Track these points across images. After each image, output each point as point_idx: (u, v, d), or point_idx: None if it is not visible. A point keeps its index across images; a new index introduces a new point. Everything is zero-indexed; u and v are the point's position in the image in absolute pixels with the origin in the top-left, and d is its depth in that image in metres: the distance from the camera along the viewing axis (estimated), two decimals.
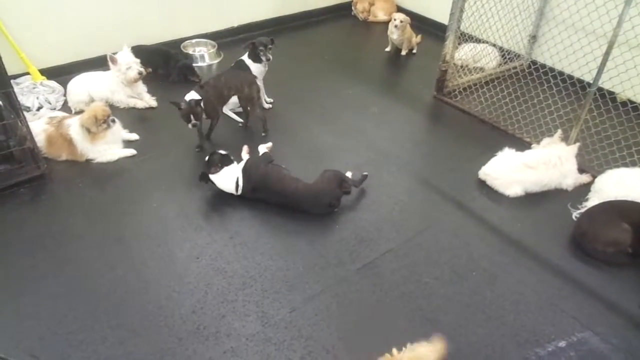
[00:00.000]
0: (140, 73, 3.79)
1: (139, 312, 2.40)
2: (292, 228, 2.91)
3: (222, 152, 3.06)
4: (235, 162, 3.08)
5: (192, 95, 3.31)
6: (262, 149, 3.34)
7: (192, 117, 3.25)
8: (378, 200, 3.15)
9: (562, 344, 2.36)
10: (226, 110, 3.86)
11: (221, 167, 3.00)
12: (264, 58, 3.68)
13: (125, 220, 2.92)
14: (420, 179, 3.36)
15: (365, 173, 3.21)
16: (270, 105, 4.00)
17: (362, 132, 3.78)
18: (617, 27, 2.99)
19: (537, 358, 2.29)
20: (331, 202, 2.97)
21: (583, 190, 3.24)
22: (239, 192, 3.01)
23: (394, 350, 1.94)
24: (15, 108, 3.01)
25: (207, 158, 3.04)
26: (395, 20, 4.72)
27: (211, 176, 3.02)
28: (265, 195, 3.01)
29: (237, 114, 3.87)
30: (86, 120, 3.22)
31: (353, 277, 2.64)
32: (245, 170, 3.01)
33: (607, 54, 3.08)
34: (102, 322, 2.34)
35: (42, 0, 3.89)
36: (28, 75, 3.96)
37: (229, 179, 3.01)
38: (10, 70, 3.15)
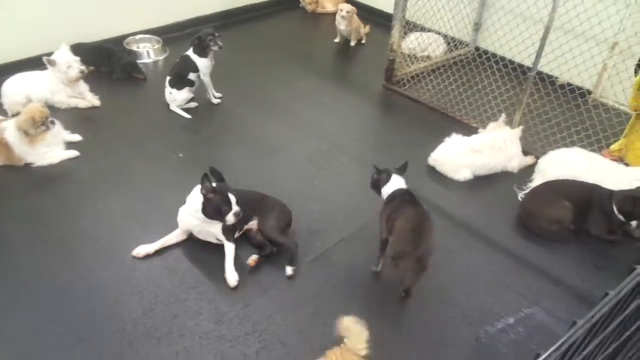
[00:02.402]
0: (81, 72, 3.64)
1: (87, 318, 2.32)
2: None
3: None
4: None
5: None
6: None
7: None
8: (330, 191, 3.15)
9: (511, 320, 2.43)
10: (174, 107, 3.77)
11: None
12: (215, 47, 3.61)
13: (68, 224, 2.81)
14: (370, 167, 3.37)
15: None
16: (220, 100, 3.93)
17: (313, 124, 3.78)
18: (552, 12, 3.09)
19: (487, 336, 2.36)
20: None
21: (528, 172, 3.35)
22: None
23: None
24: None
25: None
26: (341, 11, 4.73)
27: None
28: None
29: (184, 109, 3.78)
30: (23, 123, 3.07)
31: (307, 268, 2.63)
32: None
33: (544, 38, 3.18)
34: (46, 331, 2.25)
35: None
36: None
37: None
38: None
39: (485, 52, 4.02)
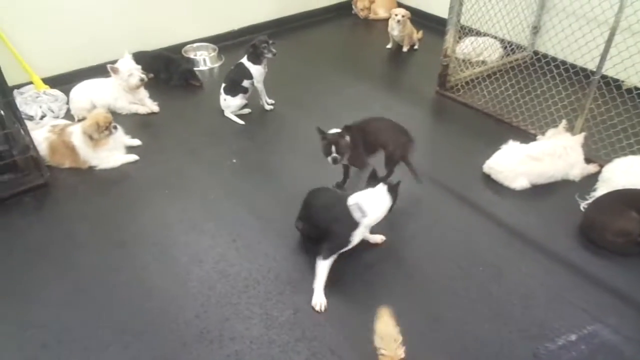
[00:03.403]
0: (141, 79, 3.79)
1: (143, 317, 2.39)
2: (295, 230, 2.88)
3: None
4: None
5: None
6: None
7: (333, 149, 2.79)
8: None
9: (573, 337, 2.31)
10: (228, 113, 3.85)
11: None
12: (269, 54, 3.67)
13: (127, 225, 2.92)
14: (424, 175, 3.31)
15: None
16: (272, 107, 3.99)
17: None
18: (618, 13, 2.93)
19: (547, 353, 2.25)
20: None
21: (591, 181, 3.18)
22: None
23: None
24: (17, 117, 3.03)
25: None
26: (395, 16, 4.69)
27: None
28: None
29: (238, 116, 3.86)
30: (88, 128, 3.23)
31: (357, 276, 2.61)
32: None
33: (609, 41, 3.02)
34: (105, 328, 2.34)
35: (43, 10, 3.92)
36: (31, 85, 3.99)
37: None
38: (14, 80, 3.18)
39: (545, 56, 3.86)
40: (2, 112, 3.02)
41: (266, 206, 3.05)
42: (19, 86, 3.93)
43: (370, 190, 2.50)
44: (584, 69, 3.59)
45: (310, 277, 2.58)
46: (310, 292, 2.49)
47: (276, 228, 2.90)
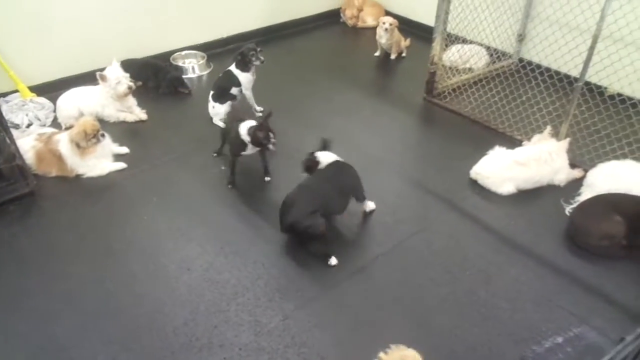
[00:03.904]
0: (129, 87, 3.79)
1: (131, 326, 2.38)
2: (284, 235, 2.89)
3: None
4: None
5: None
6: None
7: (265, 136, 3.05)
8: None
9: (559, 339, 2.33)
10: (216, 121, 3.86)
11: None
12: (257, 62, 3.69)
13: (115, 234, 2.91)
14: (412, 181, 3.35)
15: None
16: (261, 114, 4.00)
17: (353, 137, 3.78)
18: (600, 21, 2.99)
19: (535, 355, 2.27)
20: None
21: (575, 185, 3.23)
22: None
23: (381, 355, 1.91)
24: (3, 125, 3.00)
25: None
26: (384, 24, 4.74)
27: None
28: None
29: None
30: (76, 135, 3.21)
31: (345, 282, 2.62)
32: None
33: (591, 48, 3.08)
34: (93, 338, 2.32)
35: (29, 18, 3.90)
36: (17, 93, 3.96)
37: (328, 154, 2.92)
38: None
39: (530, 63, 3.93)
40: None
41: (255, 213, 3.06)
42: (4, 94, 3.90)
43: None
44: (567, 76, 3.65)
45: (298, 284, 2.60)
46: (298, 298, 2.50)
47: (265, 235, 2.90)
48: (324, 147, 3.00)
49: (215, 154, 3.53)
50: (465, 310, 2.47)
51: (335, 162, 2.92)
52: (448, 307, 2.49)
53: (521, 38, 4.53)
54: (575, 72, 3.43)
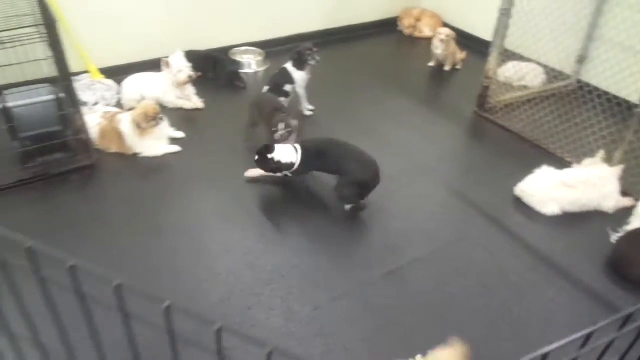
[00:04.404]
0: (190, 76, 3.98)
1: (169, 298, 2.50)
2: (323, 229, 2.97)
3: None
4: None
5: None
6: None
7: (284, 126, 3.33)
8: (410, 210, 3.17)
9: None
10: None
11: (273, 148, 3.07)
12: (312, 62, 3.81)
13: (163, 211, 3.07)
14: (455, 191, 3.35)
15: None
16: (312, 112, 4.10)
17: (399, 144, 3.82)
18: None
19: None
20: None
21: (625, 214, 3.13)
22: (298, 162, 3.05)
23: (418, 357, 1.94)
24: (74, 101, 3.23)
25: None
26: (440, 34, 4.75)
27: (270, 155, 3.04)
28: (318, 165, 3.14)
29: None
30: (137, 116, 3.41)
31: (379, 281, 2.66)
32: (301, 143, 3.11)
33: None
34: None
35: (105, 7, 4.18)
36: (88, 74, 4.23)
37: (287, 151, 3.05)
38: (73, 68, 3.39)
39: (588, 85, 3.86)
40: (61, 95, 3.23)
41: (296, 205, 3.15)
42: (77, 74, 4.16)
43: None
44: (627, 101, 3.56)
45: (332, 278, 2.66)
46: (332, 291, 2.57)
47: (304, 227, 2.99)
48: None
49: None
50: (497, 324, 2.46)
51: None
52: (480, 319, 2.49)
53: (581, 59, 4.44)
54: (635, 98, 3.35)
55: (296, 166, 3.06)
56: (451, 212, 3.22)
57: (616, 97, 3.58)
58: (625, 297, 2.64)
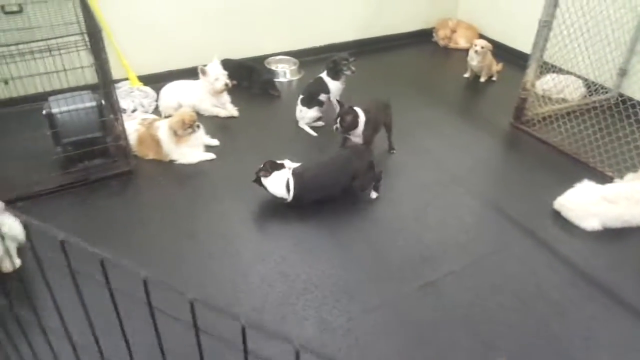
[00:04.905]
0: (226, 84, 4.04)
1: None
2: (358, 240, 2.96)
3: (279, 161, 3.14)
4: (286, 169, 3.13)
5: (358, 110, 3.41)
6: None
7: (339, 120, 3.37)
8: (444, 221, 3.12)
9: None
10: (302, 124, 4.01)
11: (271, 172, 3.07)
12: (348, 72, 3.82)
13: (199, 218, 3.10)
14: (490, 203, 3.30)
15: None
16: None
17: (433, 153, 3.78)
18: None
19: None
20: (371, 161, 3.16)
21: None
22: (291, 194, 3.05)
23: None
24: (114, 108, 3.31)
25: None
26: (475, 46, 4.71)
27: (263, 180, 3.09)
28: (317, 192, 3.10)
29: (311, 127, 4.00)
30: (175, 124, 3.47)
31: (414, 294, 2.63)
32: (295, 172, 3.07)
33: None
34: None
35: (145, 16, 4.30)
36: (127, 81, 4.34)
37: (279, 182, 3.06)
38: (113, 75, 3.49)
39: (630, 99, 3.75)
40: (102, 101, 3.32)
41: (329, 215, 3.14)
42: (116, 81, 4.27)
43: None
44: None
45: (367, 289, 2.64)
46: (366, 303, 2.54)
47: (338, 237, 2.98)
48: (342, 105, 3.42)
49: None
50: (536, 341, 2.39)
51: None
52: (517, 335, 2.43)
53: (623, 73, 4.32)
54: None
55: (289, 199, 3.08)
56: (486, 224, 3.16)
57: None
58: None
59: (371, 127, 3.46)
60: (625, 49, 4.21)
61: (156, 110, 4.15)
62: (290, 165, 3.17)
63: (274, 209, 3.18)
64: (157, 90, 4.22)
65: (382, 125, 3.64)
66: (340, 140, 3.64)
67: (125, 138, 3.41)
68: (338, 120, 3.36)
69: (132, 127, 3.58)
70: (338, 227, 3.06)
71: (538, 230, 3.08)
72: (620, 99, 3.92)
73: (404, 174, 3.54)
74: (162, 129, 3.54)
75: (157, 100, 4.20)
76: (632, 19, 4.06)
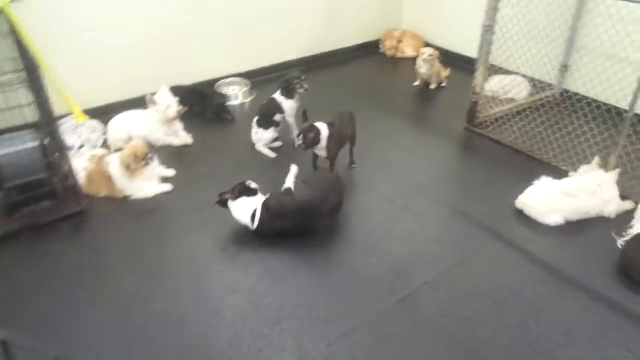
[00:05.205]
0: (178, 111, 3.92)
1: (175, 346, 2.39)
2: (328, 261, 2.89)
3: (251, 184, 3.06)
4: (259, 195, 3.04)
5: (321, 125, 3.37)
6: (290, 178, 3.25)
7: (301, 137, 3.31)
8: (413, 232, 3.11)
9: None
10: (259, 146, 3.93)
11: (238, 197, 2.98)
12: (301, 89, 3.79)
13: (161, 254, 2.96)
14: (455, 209, 3.31)
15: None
16: None
17: (394, 164, 3.78)
18: None
19: None
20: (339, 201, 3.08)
21: (626, 217, 3.12)
22: (254, 225, 2.97)
23: None
24: (60, 146, 3.13)
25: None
26: (423, 54, 4.79)
27: (229, 203, 3.01)
28: (280, 225, 2.98)
29: (269, 148, 3.93)
30: (126, 158, 3.32)
31: (390, 310, 2.58)
32: (265, 203, 2.97)
33: None
34: (136, 357, 2.34)
35: (85, 45, 4.12)
36: (71, 115, 4.13)
37: (245, 209, 2.98)
38: (56, 111, 3.31)
39: (575, 94, 3.89)
40: (45, 141, 3.13)
41: (298, 237, 3.06)
42: (60, 117, 4.07)
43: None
44: (615, 107, 3.59)
45: (342, 310, 2.57)
46: (343, 325, 2.47)
47: (308, 260, 2.90)
48: (307, 118, 3.40)
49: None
50: (516, 343, 2.39)
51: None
52: (497, 339, 2.41)
53: (564, 69, 4.49)
54: (623, 103, 3.37)
55: (255, 226, 2.98)
56: (454, 230, 3.17)
57: (605, 104, 3.61)
58: (638, 301, 2.60)
59: (335, 141, 3.43)
60: (565, 46, 4.39)
61: (105, 145, 3.97)
62: (260, 196, 3.04)
63: (241, 236, 3.07)
64: (105, 123, 4.04)
65: (347, 138, 3.63)
66: (310, 159, 3.63)
67: (74, 177, 3.24)
68: (300, 137, 3.32)
69: (81, 164, 3.40)
70: (307, 249, 2.98)
71: (504, 231, 3.11)
72: (566, 94, 4.07)
73: (370, 189, 3.51)
74: (113, 164, 3.38)
75: (105, 134, 4.02)
76: (570, 17, 4.24)
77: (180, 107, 3.92)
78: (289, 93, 3.81)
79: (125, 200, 3.42)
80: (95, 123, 4.10)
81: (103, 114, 4.17)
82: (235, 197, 2.99)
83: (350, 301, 2.62)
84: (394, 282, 2.74)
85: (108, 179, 3.38)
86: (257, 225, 2.96)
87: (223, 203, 3.02)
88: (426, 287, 2.71)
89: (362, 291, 2.68)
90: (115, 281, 2.77)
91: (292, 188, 3.13)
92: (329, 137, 3.36)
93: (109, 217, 3.27)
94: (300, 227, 3.00)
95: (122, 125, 3.91)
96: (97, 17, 4.12)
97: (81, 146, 3.85)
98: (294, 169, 3.26)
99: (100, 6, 4.10)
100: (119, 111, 4.04)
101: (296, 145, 3.36)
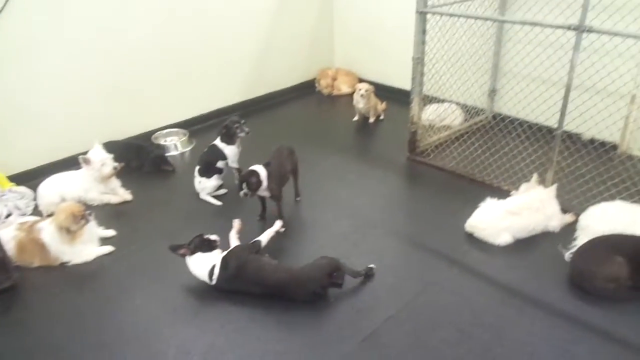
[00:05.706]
0: (114, 168, 3.74)
1: None
2: (286, 307, 2.76)
3: (212, 237, 2.93)
4: (218, 251, 2.91)
5: (257, 167, 3.31)
6: (234, 235, 3.11)
7: (244, 185, 3.24)
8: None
9: None
10: (203, 195, 3.80)
11: (194, 252, 2.85)
12: (242, 134, 3.74)
13: (106, 323, 2.73)
14: (408, 240, 3.31)
15: (371, 265, 2.96)
16: None
17: (342, 201, 3.76)
18: (570, 72, 3.14)
19: None
20: (315, 290, 2.72)
21: (570, 230, 3.24)
22: (213, 281, 2.82)
23: None
24: None
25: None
26: (360, 90, 4.89)
27: (187, 258, 2.87)
28: (242, 286, 2.81)
29: (214, 197, 3.81)
30: (64, 220, 3.09)
31: (356, 351, 2.49)
32: (224, 259, 2.83)
33: (566, 98, 3.21)
34: None
35: (5, 108, 3.88)
36: None
37: (203, 265, 2.84)
38: None
39: (507, 117, 4.08)
40: None
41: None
42: None
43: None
44: (545, 126, 3.78)
45: (307, 357, 2.45)
46: None
47: (264, 308, 2.77)
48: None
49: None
50: None
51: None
52: None
53: (493, 94, 4.71)
54: (552, 122, 3.55)
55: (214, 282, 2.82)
56: (409, 261, 3.16)
57: (535, 124, 3.79)
58: (596, 312, 2.66)
59: (276, 179, 3.38)
60: (491, 72, 4.62)
61: (36, 211, 3.70)
62: (219, 252, 2.89)
63: (194, 290, 2.90)
64: (34, 188, 3.78)
65: (289, 173, 3.58)
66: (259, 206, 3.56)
67: (2, 249, 2.97)
68: (243, 185, 3.24)
69: (9, 234, 3.13)
70: (263, 298, 2.84)
71: (459, 256, 3.13)
72: (499, 117, 4.25)
73: (322, 227, 3.46)
74: (46, 231, 3.14)
75: (35, 200, 3.76)
76: (491, 46, 4.49)
77: (117, 163, 3.75)
78: (229, 138, 3.74)
79: (63, 268, 3.17)
80: (23, 189, 3.83)
81: (32, 179, 3.92)
82: (192, 253, 2.84)
83: (314, 347, 2.51)
84: (356, 320, 2.66)
85: (41, 247, 3.13)
86: (216, 284, 2.81)
87: (175, 249, 2.87)
88: (390, 321, 2.65)
89: (326, 335, 2.58)
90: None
91: (263, 242, 3.00)
92: (269, 177, 3.31)
93: (44, 289, 3.01)
94: (264, 289, 2.80)
95: (54, 188, 3.67)
96: (17, 75, 3.90)
97: (9, 215, 3.56)
98: (236, 224, 3.16)
99: (21, 63, 3.89)
100: (49, 174, 3.80)
101: (241, 194, 3.28)
